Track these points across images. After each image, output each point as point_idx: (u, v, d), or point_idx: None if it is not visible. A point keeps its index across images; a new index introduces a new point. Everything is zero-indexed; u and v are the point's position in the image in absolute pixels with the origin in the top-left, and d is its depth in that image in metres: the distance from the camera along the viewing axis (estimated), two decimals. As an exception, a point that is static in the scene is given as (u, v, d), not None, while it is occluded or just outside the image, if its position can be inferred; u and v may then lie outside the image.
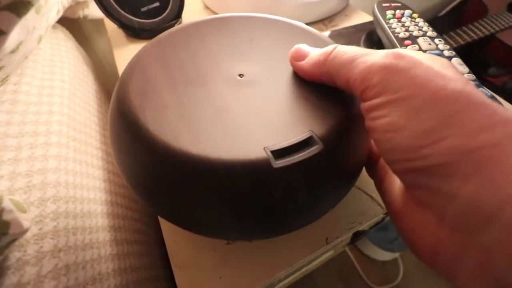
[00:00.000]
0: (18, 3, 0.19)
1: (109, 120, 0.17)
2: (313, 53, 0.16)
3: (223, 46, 0.19)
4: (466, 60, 0.25)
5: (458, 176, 0.10)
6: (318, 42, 0.19)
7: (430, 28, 0.28)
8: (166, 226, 0.22)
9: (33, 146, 0.20)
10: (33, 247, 0.16)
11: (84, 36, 0.45)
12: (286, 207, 0.14)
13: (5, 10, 0.18)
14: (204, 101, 0.15)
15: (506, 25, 0.72)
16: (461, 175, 0.10)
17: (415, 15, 0.30)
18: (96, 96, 0.34)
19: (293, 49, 0.17)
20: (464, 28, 0.72)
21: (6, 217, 0.14)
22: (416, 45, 0.26)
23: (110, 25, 0.41)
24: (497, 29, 0.71)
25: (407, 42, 0.26)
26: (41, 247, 0.17)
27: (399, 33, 0.27)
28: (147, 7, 0.37)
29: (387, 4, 0.31)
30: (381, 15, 0.30)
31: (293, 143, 0.13)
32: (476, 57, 0.78)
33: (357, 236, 0.43)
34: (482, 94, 0.11)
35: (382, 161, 0.17)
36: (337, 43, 0.16)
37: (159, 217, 0.22)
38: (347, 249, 0.80)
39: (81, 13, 0.38)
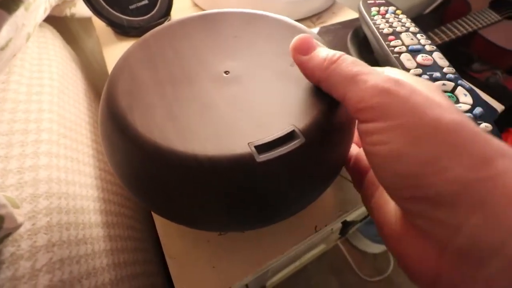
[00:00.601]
0: (8, 0, 0.19)
1: (99, 121, 0.17)
2: (319, 54, 0.15)
3: (209, 43, 0.19)
4: (450, 57, 0.26)
5: (463, 207, 0.10)
6: None
7: (413, 24, 0.29)
8: (159, 219, 0.22)
9: (23, 143, 0.20)
10: (26, 242, 0.16)
11: (71, 35, 0.44)
12: (272, 198, 0.15)
13: (-6, 7, 0.18)
14: (191, 99, 0.16)
15: (489, 22, 0.75)
16: (466, 206, 0.10)
17: (398, 11, 0.31)
18: (86, 94, 0.34)
19: (297, 38, 0.15)
20: (448, 25, 0.74)
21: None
22: (400, 40, 0.27)
23: (99, 24, 0.40)
24: (480, 26, 0.74)
25: (390, 37, 0.27)
26: (35, 241, 0.17)
27: (383, 29, 0.28)
28: (135, 4, 0.37)
29: (372, 1, 0.32)
30: (366, 12, 0.31)
31: (276, 137, 0.14)
32: (460, 53, 0.80)
33: (346, 226, 0.44)
34: (475, 124, 0.11)
35: (370, 176, 0.16)
36: (324, 39, 0.16)
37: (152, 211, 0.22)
38: (339, 243, 0.81)
39: (68, 12, 0.37)
